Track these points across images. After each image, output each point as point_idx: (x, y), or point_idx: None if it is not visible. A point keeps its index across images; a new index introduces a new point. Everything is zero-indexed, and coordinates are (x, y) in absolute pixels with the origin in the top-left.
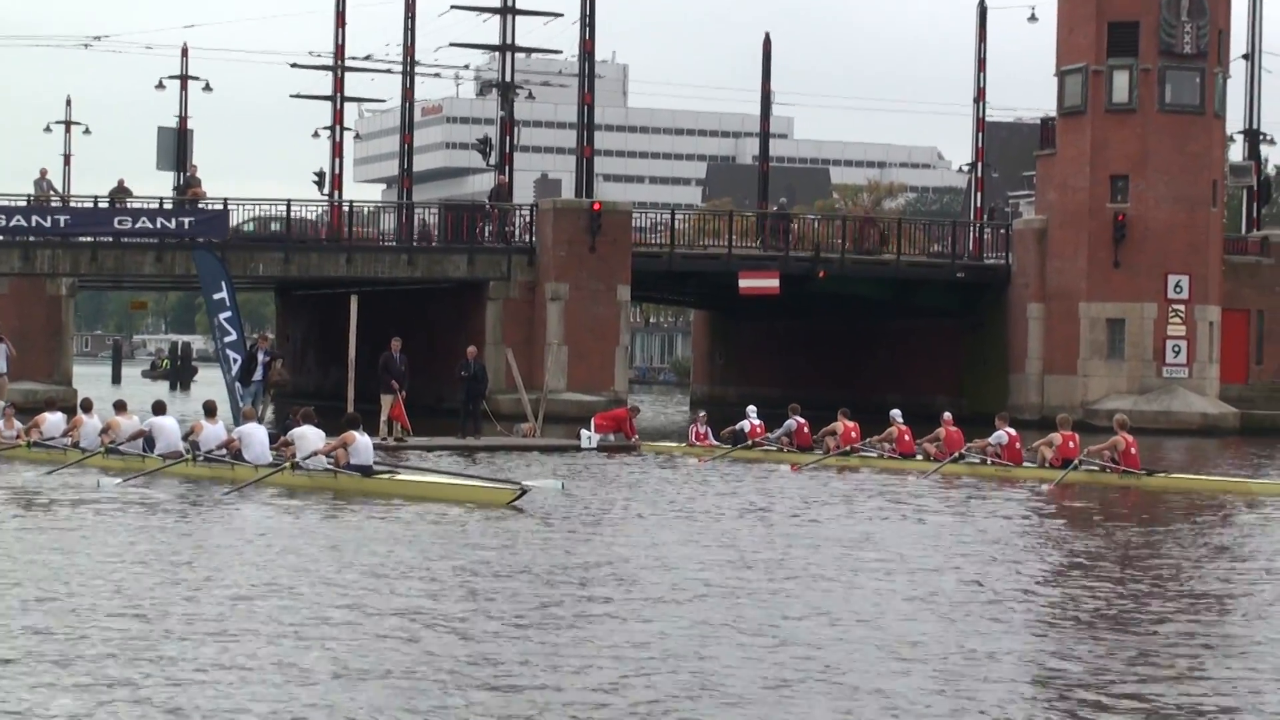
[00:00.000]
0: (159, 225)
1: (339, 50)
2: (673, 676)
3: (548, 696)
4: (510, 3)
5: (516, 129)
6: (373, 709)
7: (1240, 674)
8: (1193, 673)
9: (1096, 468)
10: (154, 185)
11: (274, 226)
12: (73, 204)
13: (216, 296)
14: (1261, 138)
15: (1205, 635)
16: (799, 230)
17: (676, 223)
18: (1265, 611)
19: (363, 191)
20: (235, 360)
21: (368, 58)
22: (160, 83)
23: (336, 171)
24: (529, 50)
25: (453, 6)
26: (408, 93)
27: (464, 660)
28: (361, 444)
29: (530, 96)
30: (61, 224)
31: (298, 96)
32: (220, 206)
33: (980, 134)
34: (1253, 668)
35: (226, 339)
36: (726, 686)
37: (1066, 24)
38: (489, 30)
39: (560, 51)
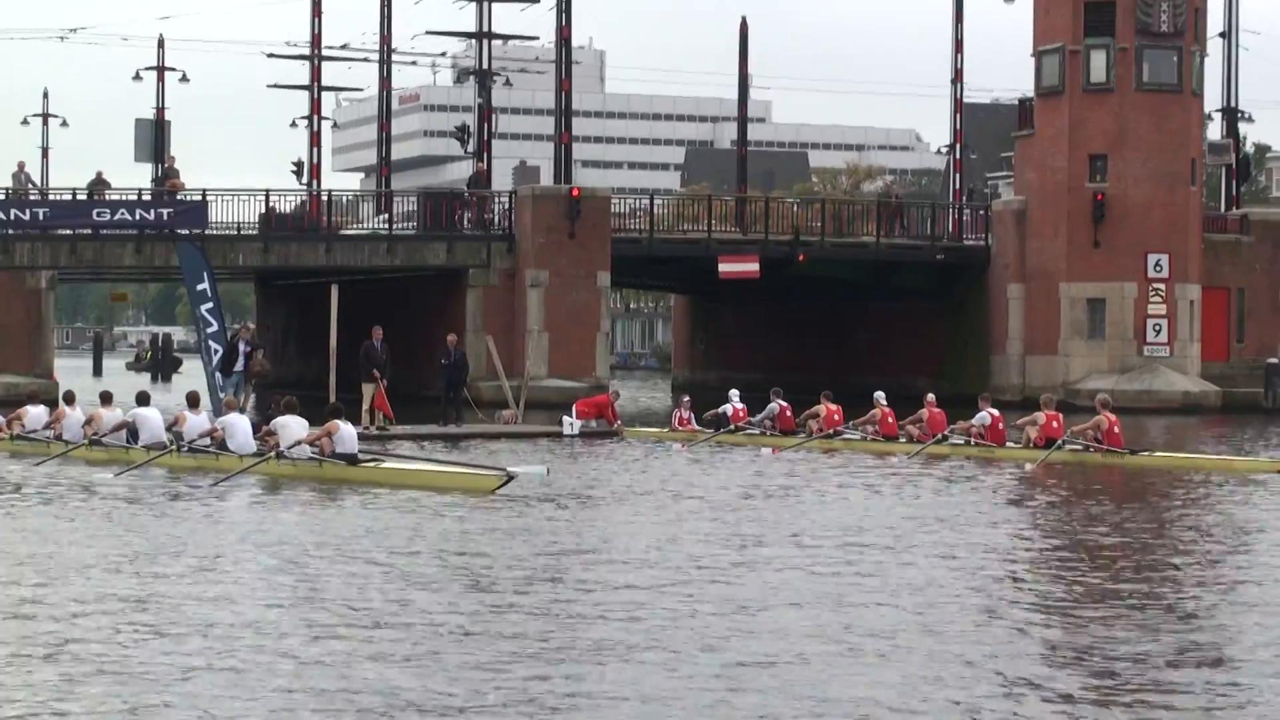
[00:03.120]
0: (138, 217)
1: (315, 39)
2: (652, 665)
3: (541, 686)
4: None
5: (494, 116)
6: (363, 698)
7: (1225, 650)
8: (1179, 651)
9: (1080, 447)
10: (132, 177)
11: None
12: (51, 196)
13: (199, 288)
14: (1239, 115)
15: (1190, 613)
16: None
17: (656, 208)
18: (1251, 589)
19: (341, 181)
20: (217, 351)
21: (344, 46)
22: (137, 74)
23: (315, 161)
24: (506, 37)
25: None
26: (385, 81)
27: (452, 648)
28: (346, 433)
29: (508, 83)
30: (40, 217)
31: (275, 86)
32: (199, 198)
33: (958, 115)
34: (1237, 646)
35: (208, 330)
36: (704, 672)
37: (1043, 4)
38: (465, 17)
39: (537, 38)
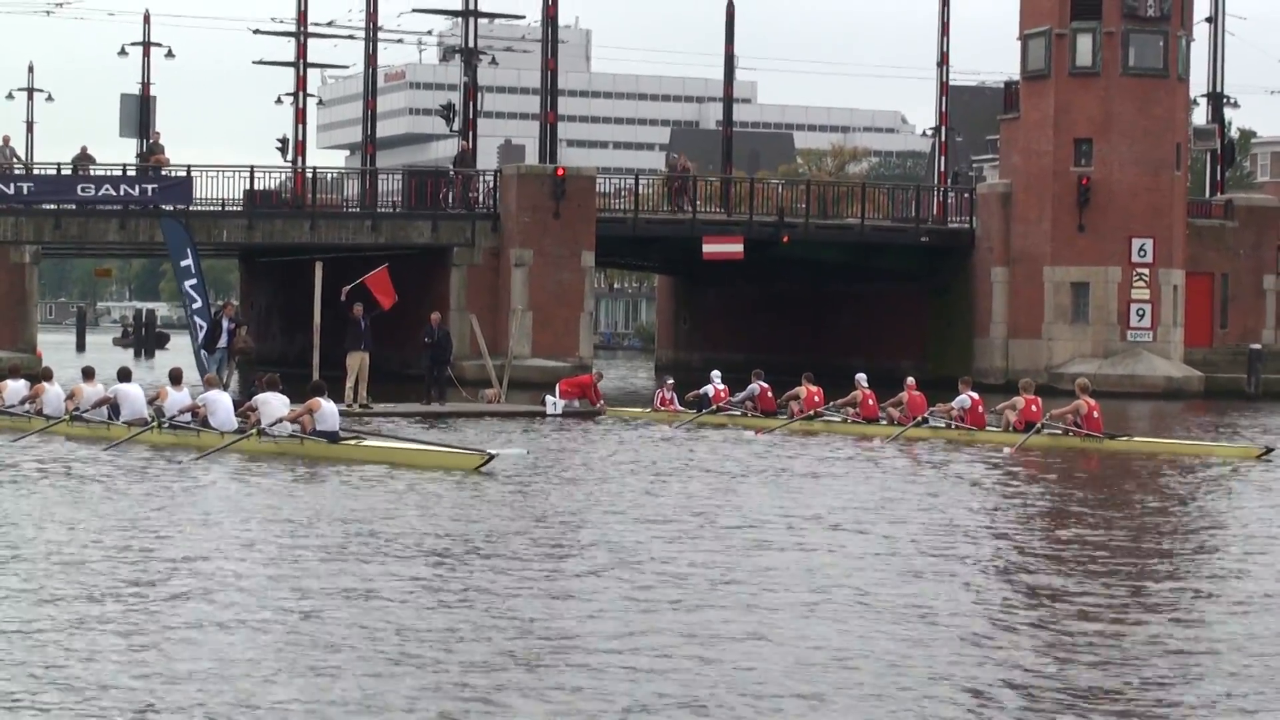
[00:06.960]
0: (122, 192)
1: (301, 16)
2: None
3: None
4: None
5: (480, 95)
6: (344, 682)
7: (1200, 635)
8: (1151, 639)
9: (1059, 431)
10: (117, 152)
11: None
12: (36, 171)
13: (183, 264)
14: (1225, 100)
15: (1163, 598)
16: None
17: (640, 188)
18: (1223, 573)
19: (326, 158)
20: (201, 327)
21: (330, 23)
22: (123, 49)
23: (300, 138)
24: (492, 15)
25: None
26: (370, 58)
27: (427, 628)
28: (327, 410)
29: (493, 62)
30: (25, 191)
31: (260, 63)
32: (184, 173)
33: (944, 98)
34: (1210, 632)
35: (193, 306)
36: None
37: None
38: None
39: (523, 17)
